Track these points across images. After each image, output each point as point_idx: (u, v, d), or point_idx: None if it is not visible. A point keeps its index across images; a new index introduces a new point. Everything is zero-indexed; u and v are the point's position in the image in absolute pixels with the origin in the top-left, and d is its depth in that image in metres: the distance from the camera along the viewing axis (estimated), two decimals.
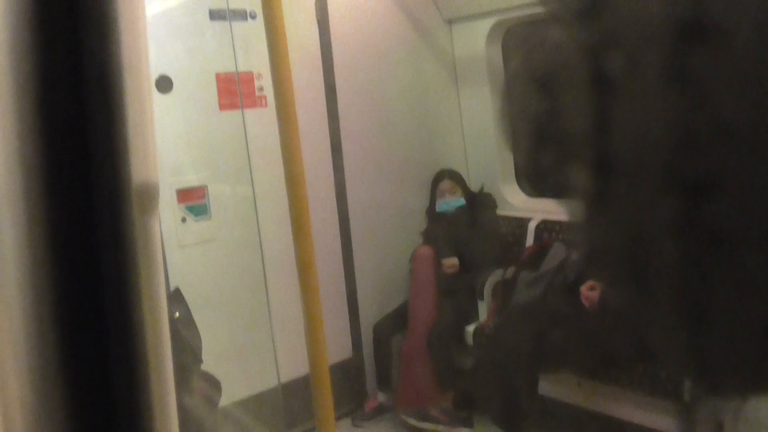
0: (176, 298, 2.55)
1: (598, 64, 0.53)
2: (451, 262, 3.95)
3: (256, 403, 3.66)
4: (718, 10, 0.48)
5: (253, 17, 3.54)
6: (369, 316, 4.09)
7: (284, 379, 3.69)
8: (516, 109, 0.67)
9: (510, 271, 3.84)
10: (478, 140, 4.39)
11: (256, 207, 3.60)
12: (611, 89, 0.52)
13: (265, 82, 3.60)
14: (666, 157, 0.51)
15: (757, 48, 0.48)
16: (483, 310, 3.89)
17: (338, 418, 3.76)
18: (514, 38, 4.15)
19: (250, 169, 3.57)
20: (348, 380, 4.04)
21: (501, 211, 4.23)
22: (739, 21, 0.48)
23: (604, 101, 0.53)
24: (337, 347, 3.91)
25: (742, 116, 0.48)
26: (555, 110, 0.58)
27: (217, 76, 3.49)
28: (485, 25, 4.14)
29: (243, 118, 3.55)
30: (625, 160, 0.53)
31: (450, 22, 4.36)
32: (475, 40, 4.23)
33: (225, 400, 3.06)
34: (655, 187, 0.52)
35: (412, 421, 3.83)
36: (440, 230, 4.11)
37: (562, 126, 0.58)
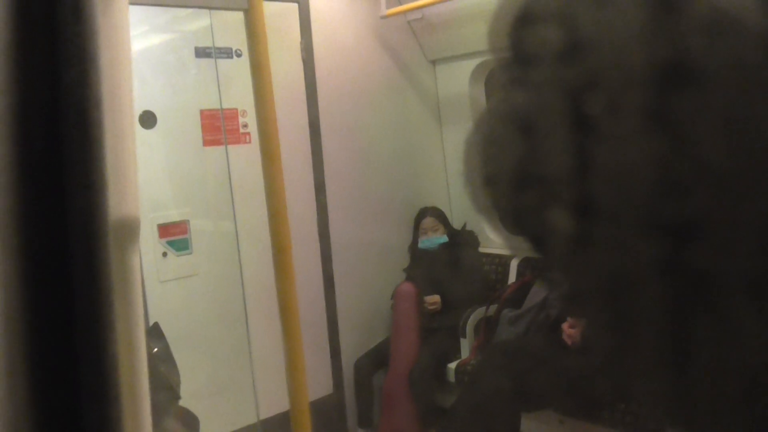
0: (155, 333, 2.52)
1: (577, 106, 0.53)
2: (433, 299, 3.95)
3: None
4: (699, 53, 0.49)
5: (239, 55, 3.57)
6: (350, 352, 4.06)
7: (263, 415, 3.64)
8: (490, 151, 0.67)
9: (492, 308, 3.84)
10: (461, 178, 4.40)
11: (238, 242, 3.59)
12: (591, 131, 0.53)
13: (250, 119, 3.62)
14: (648, 200, 0.51)
15: (738, 91, 0.49)
16: (465, 347, 3.87)
17: None
18: (498, 78, 4.19)
19: (233, 204, 3.57)
20: (329, 417, 3.98)
21: (483, 249, 4.24)
22: (721, 63, 0.49)
23: (584, 143, 0.53)
24: (318, 383, 3.87)
25: (725, 159, 0.49)
26: (533, 152, 0.59)
27: (202, 112, 3.51)
28: (469, 66, 4.20)
29: (227, 154, 3.56)
30: (605, 203, 0.53)
31: (434, 62, 4.43)
32: (459, 80, 4.29)
33: None
34: (636, 230, 0.52)
35: None
36: (422, 267, 4.10)
37: (539, 168, 0.58)
